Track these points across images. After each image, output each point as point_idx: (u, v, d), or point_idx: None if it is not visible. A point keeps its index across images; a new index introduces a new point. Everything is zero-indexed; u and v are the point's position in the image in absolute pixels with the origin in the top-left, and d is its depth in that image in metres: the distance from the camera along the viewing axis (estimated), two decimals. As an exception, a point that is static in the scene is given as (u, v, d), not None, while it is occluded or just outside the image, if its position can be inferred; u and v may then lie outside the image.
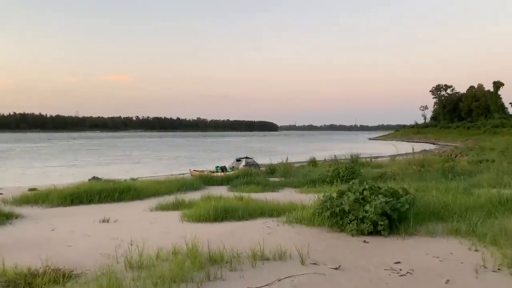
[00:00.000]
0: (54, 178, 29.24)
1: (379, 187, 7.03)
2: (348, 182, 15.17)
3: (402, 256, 5.38)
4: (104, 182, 17.59)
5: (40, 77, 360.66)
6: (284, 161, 20.68)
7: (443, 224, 6.86)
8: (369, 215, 6.42)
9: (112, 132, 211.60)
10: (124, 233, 7.27)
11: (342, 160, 27.13)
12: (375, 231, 6.47)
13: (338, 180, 14.76)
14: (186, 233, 6.86)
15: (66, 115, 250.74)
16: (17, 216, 9.43)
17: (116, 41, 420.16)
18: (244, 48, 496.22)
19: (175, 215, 8.95)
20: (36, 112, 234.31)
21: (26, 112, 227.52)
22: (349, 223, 6.71)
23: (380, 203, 6.37)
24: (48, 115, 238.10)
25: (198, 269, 4.76)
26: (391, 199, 6.62)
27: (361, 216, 6.53)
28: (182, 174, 28.55)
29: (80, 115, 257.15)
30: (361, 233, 6.51)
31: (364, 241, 6.25)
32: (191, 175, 23.15)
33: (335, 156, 29.34)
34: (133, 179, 23.91)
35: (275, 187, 15.07)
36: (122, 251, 5.41)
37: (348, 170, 14.93)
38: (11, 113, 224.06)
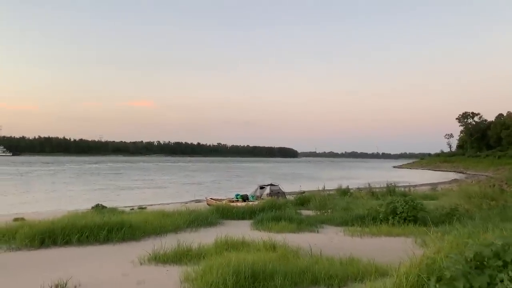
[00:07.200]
0: (59, 203, 26.68)
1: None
2: (409, 221, 11.89)
3: None
4: (106, 211, 14.85)
5: (65, 102, 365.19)
6: (318, 189, 17.14)
7: None
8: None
9: (133, 157, 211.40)
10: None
11: (377, 189, 23.91)
12: None
13: (396, 217, 11.31)
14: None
15: (90, 139, 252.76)
16: None
17: (140, 67, 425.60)
18: (265, 75, 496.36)
19: (174, 276, 5.71)
20: (60, 136, 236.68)
21: (50, 136, 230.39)
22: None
23: None
24: (72, 139, 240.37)
25: None
26: None
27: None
28: (198, 201, 25.57)
29: (104, 140, 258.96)
30: None
31: None
32: (207, 204, 19.98)
33: (368, 184, 26.27)
34: (141, 208, 21.05)
35: (312, 225, 11.69)
36: None
37: (409, 205, 11.40)
38: (36, 137, 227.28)
